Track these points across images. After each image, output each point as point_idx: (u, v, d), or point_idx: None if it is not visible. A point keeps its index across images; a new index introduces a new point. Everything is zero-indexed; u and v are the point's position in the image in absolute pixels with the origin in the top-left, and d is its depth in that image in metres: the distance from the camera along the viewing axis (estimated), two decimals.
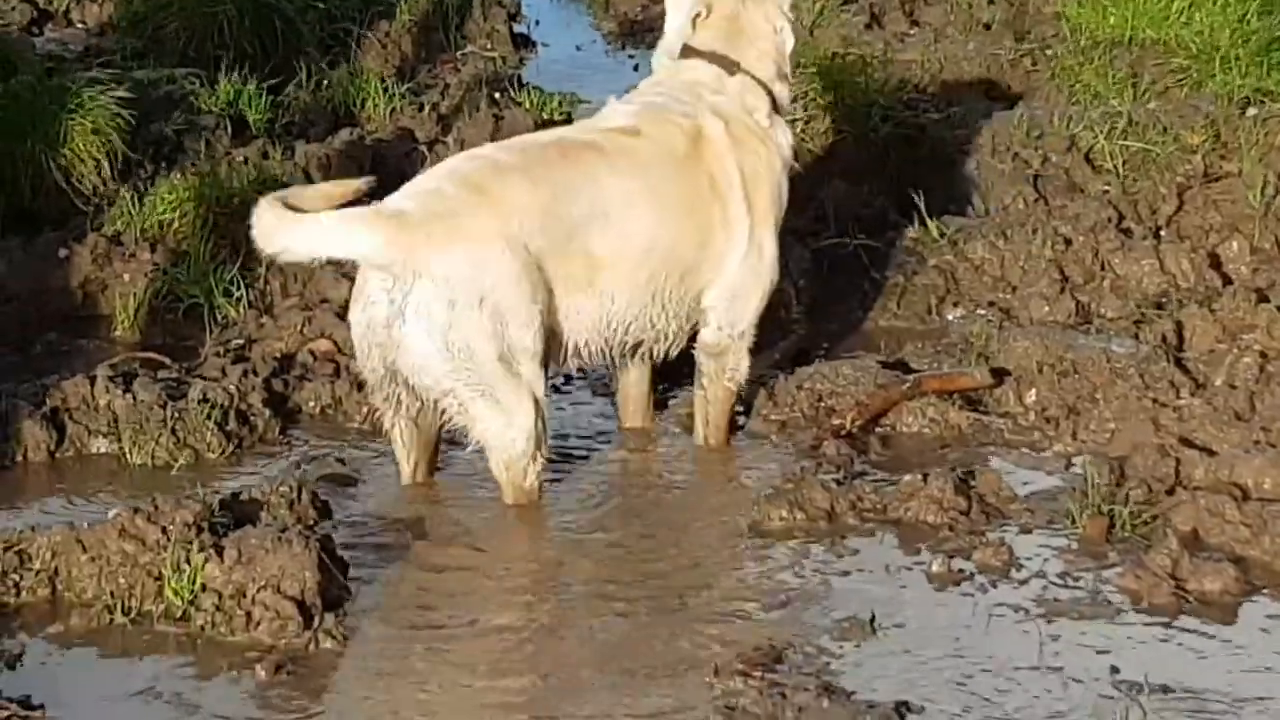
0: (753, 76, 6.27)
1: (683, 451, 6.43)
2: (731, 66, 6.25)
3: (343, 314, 6.87)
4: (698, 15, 6.27)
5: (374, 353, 5.78)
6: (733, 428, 6.42)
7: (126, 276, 7.17)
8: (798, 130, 7.85)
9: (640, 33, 10.27)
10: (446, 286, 5.64)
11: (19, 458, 6.18)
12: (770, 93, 6.31)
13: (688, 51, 6.28)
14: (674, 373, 6.55)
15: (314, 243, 5.75)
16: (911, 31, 9.65)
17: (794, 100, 7.86)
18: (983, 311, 7.20)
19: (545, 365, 5.89)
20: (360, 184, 5.93)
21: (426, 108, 8.81)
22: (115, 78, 8.13)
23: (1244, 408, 6.26)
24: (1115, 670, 5.07)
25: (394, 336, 5.70)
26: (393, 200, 5.85)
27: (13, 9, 9.40)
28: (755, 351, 6.37)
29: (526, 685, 5.09)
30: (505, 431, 5.77)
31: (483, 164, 5.93)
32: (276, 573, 5.27)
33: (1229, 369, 6.49)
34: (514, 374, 5.74)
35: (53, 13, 9.60)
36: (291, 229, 5.69)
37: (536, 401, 5.78)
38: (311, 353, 6.81)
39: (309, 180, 7.74)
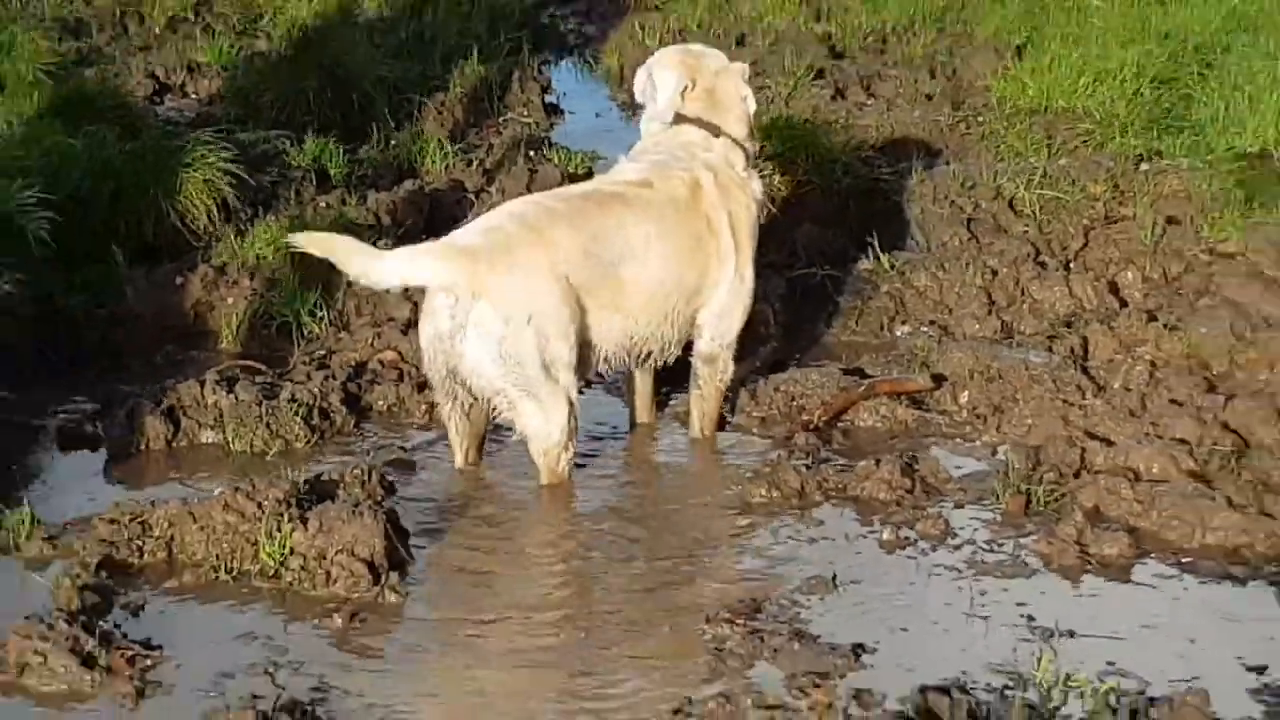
0: (731, 138, 6.29)
1: (680, 441, 6.43)
2: (715, 130, 6.26)
3: (406, 330, 6.91)
4: (686, 88, 6.30)
5: (438, 358, 5.78)
6: (720, 422, 6.43)
7: (230, 300, 7.18)
8: (774, 182, 7.87)
9: None
10: (502, 307, 5.66)
11: (142, 446, 6.19)
12: (744, 149, 6.33)
13: (679, 118, 6.29)
14: (671, 380, 6.56)
15: (400, 272, 5.76)
16: (868, 102, 9.65)
17: (770, 158, 7.92)
18: (925, 329, 7.19)
19: (578, 372, 5.89)
20: None
21: (474, 163, 8.83)
22: (221, 139, 8.14)
23: (1137, 406, 6.27)
24: (1031, 619, 5.09)
25: (456, 346, 5.70)
26: (462, 235, 5.87)
27: (138, 84, 9.43)
28: (739, 360, 6.38)
29: (553, 629, 5.11)
30: (544, 426, 5.78)
31: (537, 208, 5.93)
32: (350, 540, 5.30)
33: (1125, 375, 6.50)
34: (553, 379, 5.73)
35: (170, 86, 9.63)
36: (378, 262, 5.73)
37: (571, 402, 5.78)
38: (380, 361, 6.82)
39: (379, 223, 7.78)
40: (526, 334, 5.67)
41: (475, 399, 5.85)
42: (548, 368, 5.72)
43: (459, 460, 6.06)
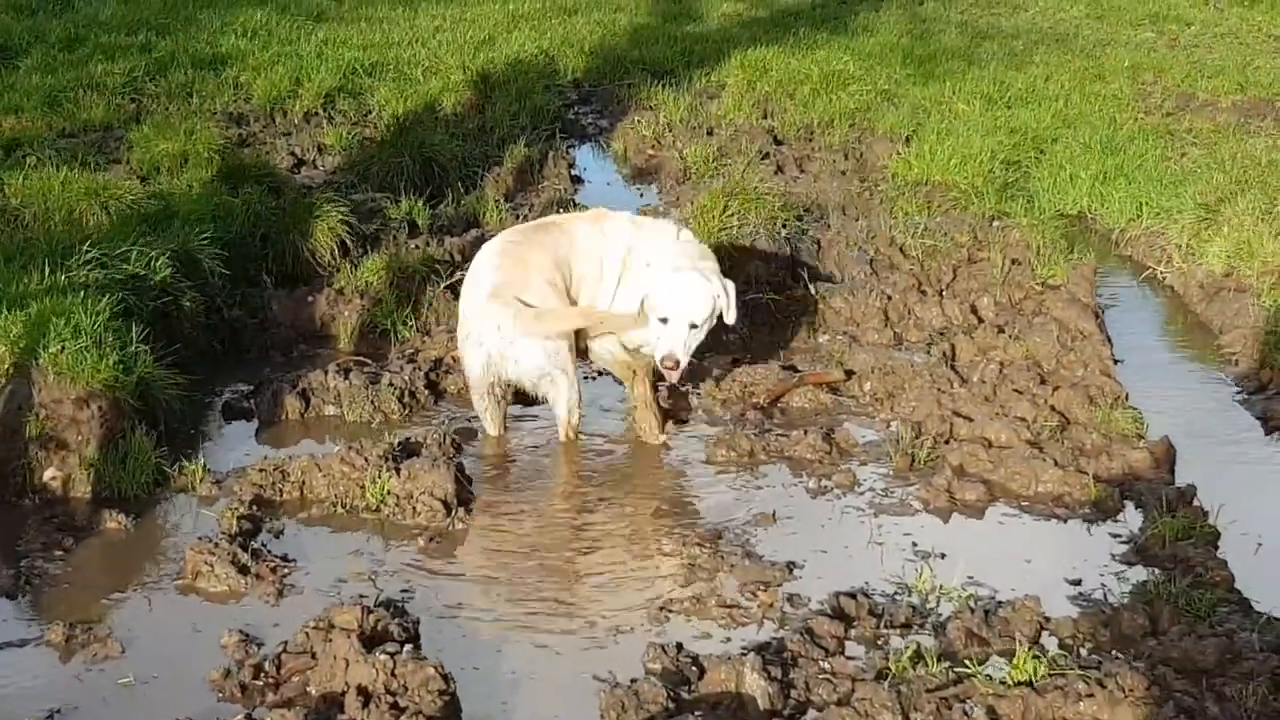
0: None
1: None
2: None
3: None
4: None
5: (490, 368, 5.75)
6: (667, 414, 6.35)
7: (347, 313, 7.15)
8: (734, 232, 7.84)
9: (644, 175, 10.25)
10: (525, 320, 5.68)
11: (283, 418, 6.16)
12: None
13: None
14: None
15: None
16: (800, 176, 9.61)
17: (731, 215, 7.86)
18: (840, 337, 7.16)
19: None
20: None
21: (520, 217, 8.75)
22: (340, 199, 8.11)
23: (990, 394, 6.25)
24: (914, 545, 5.09)
25: (509, 353, 5.69)
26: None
27: (281, 159, 9.40)
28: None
29: (572, 548, 5.11)
30: (569, 392, 5.80)
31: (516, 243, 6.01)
32: (430, 484, 5.30)
33: (981, 372, 6.49)
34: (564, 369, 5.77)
35: (305, 160, 9.57)
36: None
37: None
38: (453, 358, 6.78)
39: (452, 260, 7.73)
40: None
41: (508, 389, 5.83)
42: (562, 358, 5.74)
43: (492, 430, 5.95)
